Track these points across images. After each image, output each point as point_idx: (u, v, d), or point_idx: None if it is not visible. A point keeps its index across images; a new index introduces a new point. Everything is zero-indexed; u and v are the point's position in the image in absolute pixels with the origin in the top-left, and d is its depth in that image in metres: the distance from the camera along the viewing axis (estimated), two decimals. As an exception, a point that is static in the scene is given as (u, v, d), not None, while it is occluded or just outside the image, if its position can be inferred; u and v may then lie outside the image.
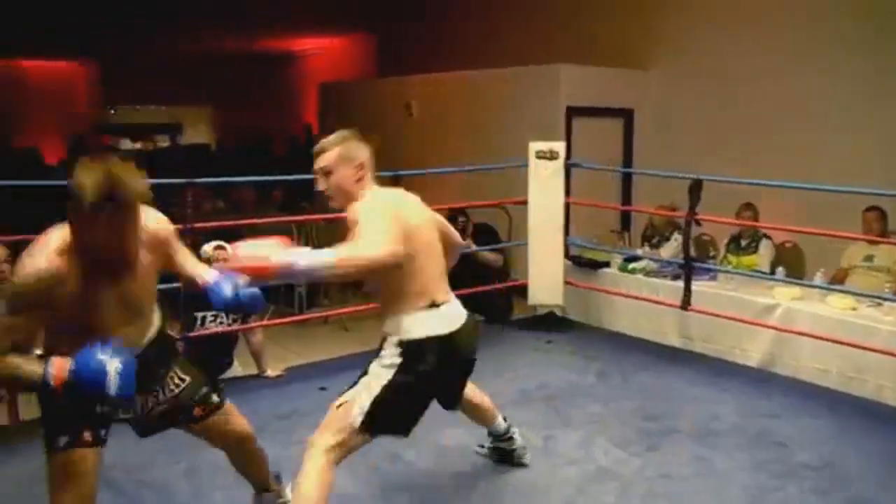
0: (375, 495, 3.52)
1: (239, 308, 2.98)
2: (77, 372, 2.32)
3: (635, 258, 6.41)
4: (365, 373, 3.03)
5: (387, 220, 2.75)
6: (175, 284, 4.60)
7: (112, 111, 18.33)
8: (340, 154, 2.93)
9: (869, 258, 5.92)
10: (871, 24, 7.10)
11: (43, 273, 2.29)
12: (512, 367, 5.21)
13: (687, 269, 5.50)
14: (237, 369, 5.15)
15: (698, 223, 5.54)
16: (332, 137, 3.00)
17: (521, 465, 3.72)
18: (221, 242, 4.87)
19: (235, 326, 4.98)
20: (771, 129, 7.81)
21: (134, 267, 2.45)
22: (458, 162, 7.29)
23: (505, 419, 3.68)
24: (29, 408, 4.74)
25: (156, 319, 2.78)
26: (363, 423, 2.90)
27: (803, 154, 7.36)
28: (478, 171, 6.88)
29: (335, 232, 8.85)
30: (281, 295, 8.29)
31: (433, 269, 2.98)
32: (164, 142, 19.33)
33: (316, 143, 3.01)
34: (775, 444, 4.03)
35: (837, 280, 5.91)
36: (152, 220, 2.57)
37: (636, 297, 6.02)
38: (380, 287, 2.97)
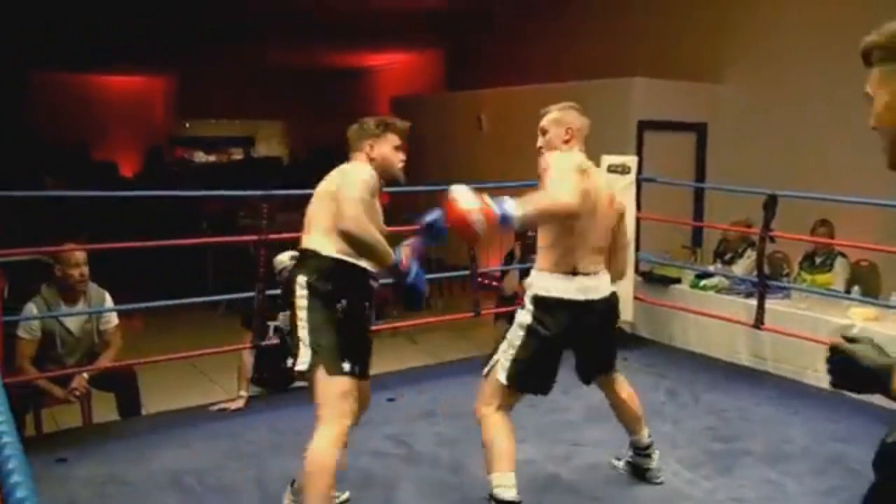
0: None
1: (432, 234, 3.21)
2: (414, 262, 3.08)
3: (707, 274, 6.32)
4: (503, 337, 3.33)
5: (575, 175, 3.12)
6: (250, 293, 4.73)
7: (186, 125, 18.74)
8: (556, 118, 3.44)
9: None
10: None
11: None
12: (581, 384, 5.16)
13: (760, 287, 5.40)
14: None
15: (772, 240, 5.44)
16: (555, 105, 3.51)
17: (654, 483, 3.71)
18: (296, 252, 4.94)
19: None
20: (847, 143, 7.62)
21: None
22: (528, 175, 7.26)
23: (649, 435, 3.73)
24: (100, 410, 4.89)
25: None
26: (507, 382, 3.23)
27: (881, 169, 7.13)
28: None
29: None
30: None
31: (590, 239, 3.27)
32: (237, 154, 19.68)
33: None
34: (848, 469, 3.92)
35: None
36: None
37: (707, 315, 5.92)
38: (539, 237, 3.36)
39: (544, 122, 3.48)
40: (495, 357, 3.30)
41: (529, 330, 3.21)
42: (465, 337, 4.88)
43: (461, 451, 4.02)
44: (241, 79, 17.28)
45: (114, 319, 4.94)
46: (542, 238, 3.32)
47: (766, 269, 5.61)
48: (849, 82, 7.84)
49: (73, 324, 4.79)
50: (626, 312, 6.03)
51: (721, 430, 4.41)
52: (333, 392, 2.96)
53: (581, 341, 3.38)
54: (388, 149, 3.30)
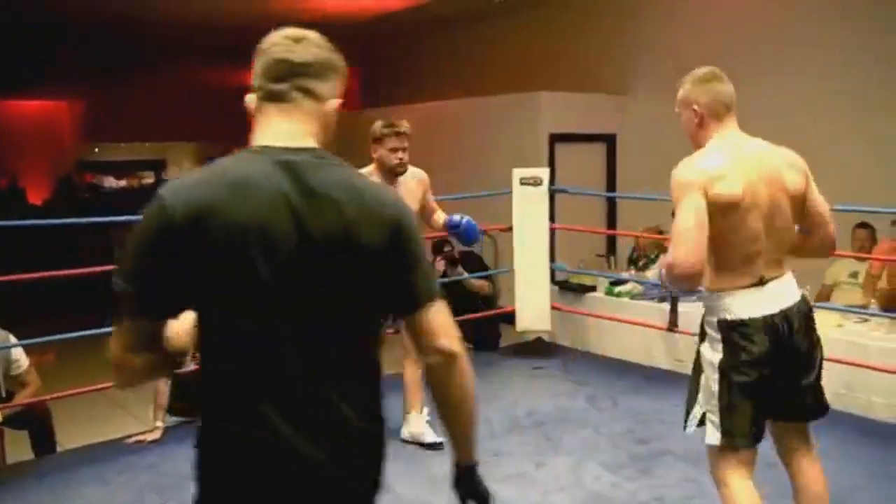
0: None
1: (462, 233, 4.26)
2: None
3: (621, 281, 6.43)
4: (697, 382, 2.77)
5: (693, 204, 2.60)
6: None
7: (96, 149, 18.33)
8: (679, 97, 3.01)
9: (854, 274, 5.95)
10: (869, 36, 7.19)
11: None
12: (501, 394, 5.20)
13: (673, 291, 5.52)
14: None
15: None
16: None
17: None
18: None
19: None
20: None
21: None
22: (442, 190, 7.30)
23: None
24: (14, 449, 4.72)
25: None
26: (724, 443, 2.67)
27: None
28: (462, 199, 6.89)
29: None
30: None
31: (762, 242, 2.63)
32: (148, 178, 19.32)
33: None
34: (767, 464, 3.99)
35: (822, 297, 5.93)
36: None
37: (623, 321, 6.02)
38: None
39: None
40: (700, 410, 2.77)
41: (725, 363, 2.62)
42: (388, 354, 4.87)
43: (387, 474, 3.99)
44: (150, 101, 16.96)
45: (24, 362, 4.73)
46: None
47: (679, 274, 5.73)
48: (751, 89, 8.07)
49: None
50: (544, 322, 6.10)
51: (641, 433, 4.47)
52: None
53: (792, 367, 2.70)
54: (384, 151, 4.17)
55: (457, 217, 4.31)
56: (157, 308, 1.56)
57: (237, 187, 1.52)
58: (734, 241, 2.58)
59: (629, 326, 5.98)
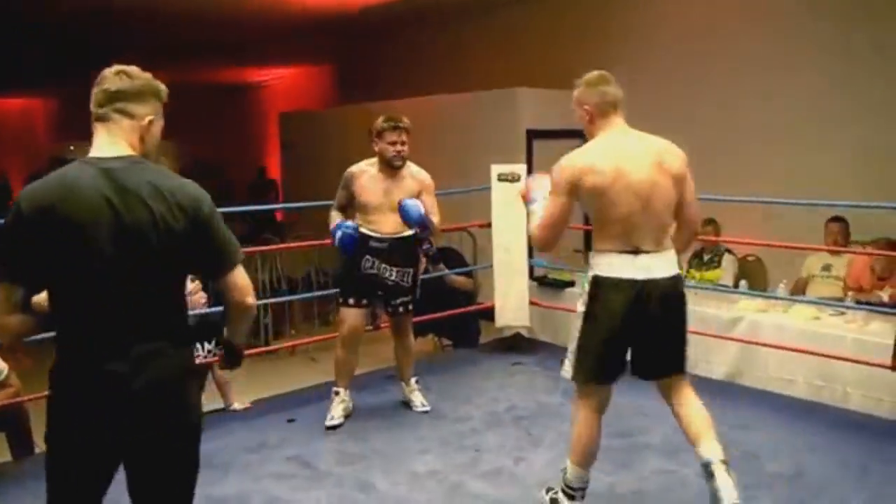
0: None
1: (421, 223, 4.37)
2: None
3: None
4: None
5: (560, 196, 3.17)
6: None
7: (71, 147, 18.16)
8: (574, 97, 3.40)
9: (827, 267, 6.01)
10: (832, 37, 7.23)
11: None
12: (481, 390, 5.20)
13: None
14: (203, 404, 5.07)
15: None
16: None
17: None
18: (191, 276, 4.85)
19: (206, 359, 4.93)
20: (730, 144, 7.90)
21: None
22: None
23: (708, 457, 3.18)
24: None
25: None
26: (574, 375, 3.20)
27: (764, 168, 7.46)
28: (441, 196, 6.88)
29: (297, 260, 8.82)
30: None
31: (634, 220, 3.07)
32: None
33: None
34: (746, 455, 4.04)
35: (798, 290, 5.98)
36: None
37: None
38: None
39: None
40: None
41: (588, 311, 3.15)
42: (365, 352, 4.86)
43: (365, 468, 3.99)
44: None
45: (4, 370, 4.69)
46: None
47: (656, 268, 5.75)
48: (729, 85, 8.16)
49: None
50: (523, 318, 6.10)
51: (619, 427, 4.46)
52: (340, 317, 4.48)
53: (645, 328, 3.14)
54: (383, 144, 4.44)
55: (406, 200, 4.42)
56: (20, 276, 2.13)
57: (70, 189, 2.08)
58: (609, 217, 3.06)
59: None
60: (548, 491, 3.47)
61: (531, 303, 6.14)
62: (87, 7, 9.16)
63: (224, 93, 17.66)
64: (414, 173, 4.58)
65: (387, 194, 4.46)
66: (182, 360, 2.26)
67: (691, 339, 5.30)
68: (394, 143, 4.45)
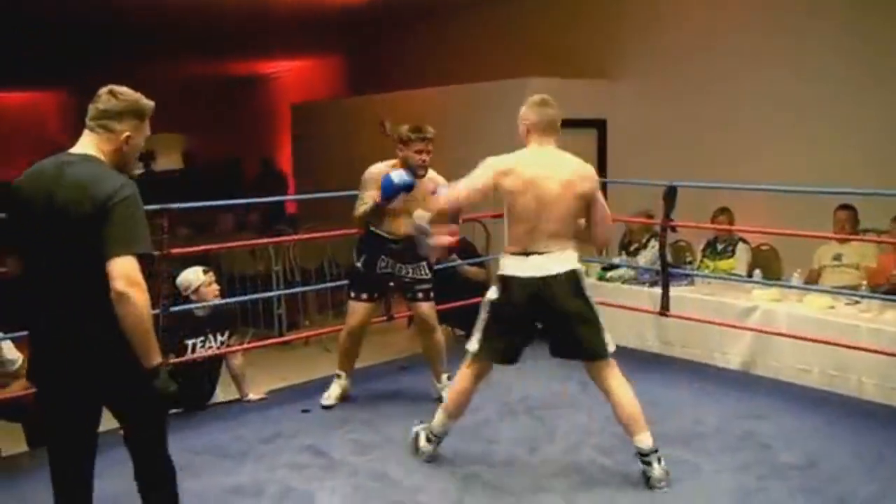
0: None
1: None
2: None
3: (613, 266, 6.43)
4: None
5: (477, 180, 3.70)
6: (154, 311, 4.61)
7: (83, 141, 18.23)
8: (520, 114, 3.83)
9: (838, 257, 5.99)
10: (846, 26, 7.19)
11: None
12: (494, 380, 5.15)
13: (664, 276, 5.52)
14: (218, 395, 5.11)
15: (674, 229, 5.57)
16: None
17: (656, 488, 3.59)
18: (204, 268, 4.89)
19: (220, 350, 4.96)
20: (743, 132, 7.87)
21: None
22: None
23: (650, 444, 3.62)
24: (8, 442, 4.72)
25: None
26: (477, 351, 3.73)
27: (777, 157, 7.43)
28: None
29: (311, 251, 8.83)
30: (260, 318, 8.26)
31: (537, 224, 3.59)
32: (137, 169, 19.21)
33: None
34: (760, 445, 4.05)
35: (811, 281, 5.96)
36: None
37: (615, 305, 6.03)
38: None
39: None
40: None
41: (495, 301, 3.68)
42: (379, 343, 4.88)
43: (380, 458, 4.00)
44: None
45: (18, 361, 4.72)
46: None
47: (670, 258, 5.75)
48: (742, 74, 8.12)
49: None
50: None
51: (635, 417, 4.48)
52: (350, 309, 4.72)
53: (544, 318, 3.70)
54: (410, 152, 4.60)
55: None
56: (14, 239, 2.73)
57: (34, 175, 2.66)
58: (515, 219, 3.63)
59: (621, 311, 5.99)
60: (419, 423, 4.03)
61: (544, 293, 6.13)
62: (98, 3, 9.16)
63: (235, 85, 17.67)
64: (433, 178, 4.66)
65: (405, 199, 4.53)
66: (97, 315, 2.55)
67: (708, 329, 5.32)
68: (420, 153, 4.58)
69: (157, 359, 2.58)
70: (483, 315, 3.71)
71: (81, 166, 2.60)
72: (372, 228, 4.68)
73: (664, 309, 5.50)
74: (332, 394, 4.79)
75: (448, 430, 3.91)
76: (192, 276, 4.81)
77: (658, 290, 5.58)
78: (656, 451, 3.60)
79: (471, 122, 8.95)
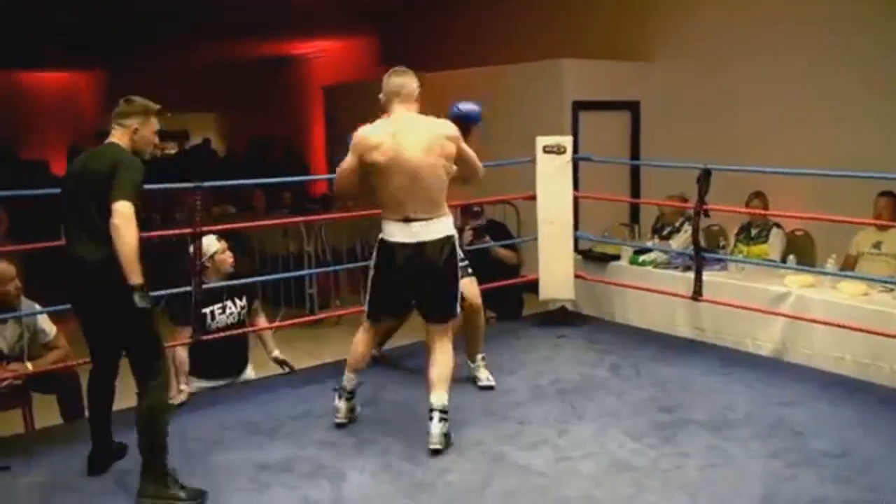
0: (396, 494, 3.51)
1: (463, 117, 4.55)
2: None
3: (645, 250, 6.40)
4: None
5: (349, 157, 4.01)
6: (187, 288, 4.67)
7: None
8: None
9: (877, 244, 5.90)
10: (883, 7, 7.07)
11: None
12: (525, 362, 5.21)
13: (697, 260, 5.48)
14: (250, 373, 5.16)
15: (707, 214, 5.51)
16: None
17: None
18: (218, 236, 4.95)
19: (243, 330, 5.01)
20: (778, 115, 7.78)
21: None
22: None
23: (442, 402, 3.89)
24: (42, 413, 4.79)
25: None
26: (365, 311, 4.18)
27: (813, 141, 7.34)
28: (485, 168, 6.84)
29: (343, 231, 8.86)
30: (292, 297, 8.32)
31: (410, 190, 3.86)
32: (171, 148, 19.35)
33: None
34: (791, 432, 4.02)
35: (847, 267, 5.89)
36: None
37: (647, 290, 6.00)
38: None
39: None
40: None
41: (373, 263, 4.07)
42: (408, 324, 4.89)
43: (410, 439, 4.02)
44: (172, 72, 16.96)
45: (51, 332, 4.80)
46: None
47: (703, 242, 5.70)
48: (778, 56, 8.01)
49: (2, 342, 4.64)
50: (568, 291, 6.08)
51: (664, 401, 4.47)
52: None
53: (417, 279, 3.97)
54: None
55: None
56: None
57: (79, 159, 3.63)
58: (384, 190, 3.90)
59: (653, 295, 5.97)
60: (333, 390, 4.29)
61: (576, 276, 6.12)
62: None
63: (267, 66, 17.72)
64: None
65: None
66: (104, 253, 3.35)
67: (741, 315, 5.26)
68: None
69: (136, 280, 3.29)
70: (369, 277, 4.09)
71: (103, 148, 3.56)
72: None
73: (697, 294, 5.45)
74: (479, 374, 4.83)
75: (356, 383, 4.22)
76: (206, 243, 4.86)
77: (691, 275, 5.54)
78: (444, 412, 3.86)
79: (504, 104, 8.92)
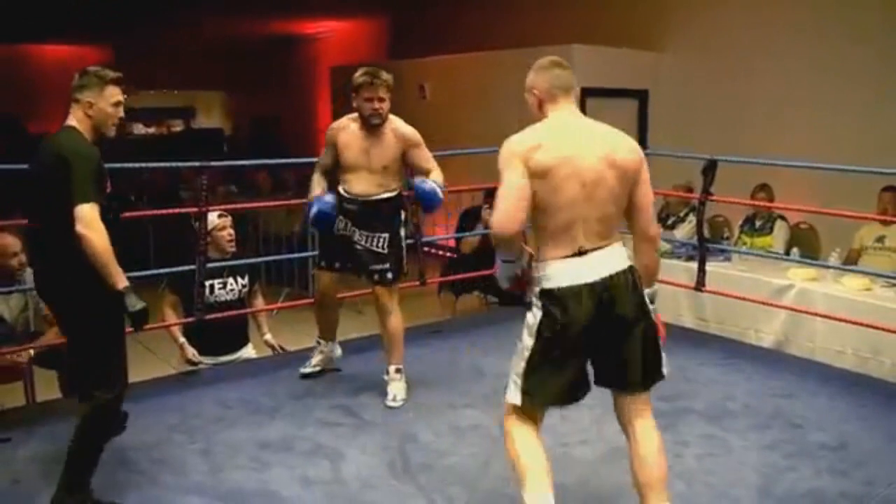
0: (394, 474, 3.53)
1: (428, 199, 4.19)
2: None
3: (649, 239, 6.38)
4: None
5: (514, 174, 2.73)
6: (191, 267, 4.68)
7: (125, 95, 18.32)
8: (526, 83, 3.03)
9: (880, 239, 5.90)
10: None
11: None
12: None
13: (701, 250, 5.48)
14: (251, 351, 5.18)
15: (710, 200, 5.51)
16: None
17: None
18: (220, 213, 4.96)
19: (239, 312, 5.03)
20: (787, 108, 7.76)
21: None
22: (471, 143, 7.27)
23: None
24: (43, 388, 4.81)
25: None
26: (524, 402, 2.76)
27: (820, 134, 7.32)
28: (489, 153, 6.80)
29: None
30: (295, 278, 8.33)
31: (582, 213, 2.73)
32: (177, 126, 19.35)
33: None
34: (790, 424, 4.03)
35: (850, 261, 5.89)
36: None
37: (650, 279, 5.99)
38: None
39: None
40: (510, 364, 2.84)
41: (540, 326, 2.72)
42: (411, 306, 4.90)
43: (410, 420, 4.04)
44: (178, 48, 16.92)
45: None
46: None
47: (707, 233, 5.70)
48: (788, 50, 7.97)
49: (7, 312, 4.67)
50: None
51: (664, 390, 4.41)
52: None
53: (609, 333, 2.77)
54: (360, 100, 4.21)
55: (418, 182, 4.21)
56: None
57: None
58: (553, 206, 2.68)
59: (656, 284, 5.95)
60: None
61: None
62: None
63: (277, 45, 17.67)
64: (397, 129, 4.25)
65: (364, 153, 4.21)
66: (64, 255, 3.05)
67: (743, 306, 5.26)
68: (370, 100, 4.14)
69: (120, 284, 3.01)
70: (526, 350, 2.75)
71: (58, 135, 3.16)
72: (338, 187, 4.35)
73: (700, 284, 5.46)
74: (313, 361, 4.65)
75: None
76: (208, 219, 4.88)
77: (694, 265, 5.55)
78: None
79: (514, 88, 8.88)
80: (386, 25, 14.34)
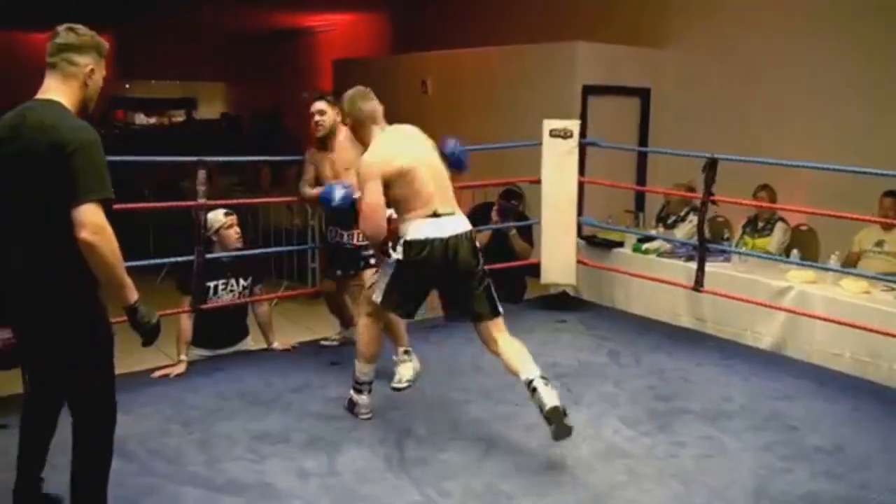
0: (390, 468, 3.53)
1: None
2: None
3: (649, 238, 6.39)
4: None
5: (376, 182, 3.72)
6: (190, 258, 4.68)
7: (127, 85, 18.31)
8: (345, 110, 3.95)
9: (880, 243, 5.89)
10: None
11: None
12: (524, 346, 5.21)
13: (701, 251, 5.48)
14: (250, 343, 5.17)
15: (714, 203, 5.51)
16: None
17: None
18: (227, 210, 4.94)
19: (244, 299, 5.01)
20: (790, 108, 7.76)
21: None
22: (472, 139, 7.27)
23: (527, 377, 3.59)
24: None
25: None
26: (382, 301, 3.80)
27: (822, 135, 7.31)
28: (491, 150, 6.82)
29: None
30: (295, 271, 8.32)
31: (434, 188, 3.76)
32: (178, 116, 19.32)
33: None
34: (786, 426, 4.03)
35: (849, 264, 5.88)
36: None
37: (649, 278, 6.00)
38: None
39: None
40: (378, 275, 3.94)
41: (400, 261, 3.74)
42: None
43: (407, 415, 4.04)
44: (180, 39, 16.90)
45: None
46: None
47: (708, 233, 5.69)
48: (790, 51, 7.96)
49: None
50: (569, 276, 6.09)
51: (661, 390, 4.49)
52: None
53: (449, 276, 3.77)
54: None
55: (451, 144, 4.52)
56: None
57: (3, 124, 2.60)
58: (413, 192, 3.70)
59: (655, 284, 5.96)
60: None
61: (578, 261, 6.12)
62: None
63: (279, 37, 17.65)
64: (349, 140, 4.36)
65: (331, 165, 4.72)
66: (50, 255, 2.57)
67: (742, 307, 5.27)
68: (311, 116, 4.68)
69: (132, 297, 2.64)
70: (389, 272, 3.76)
71: (43, 110, 2.57)
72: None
73: (698, 284, 5.46)
74: (397, 372, 4.40)
75: (372, 376, 4.01)
76: (213, 218, 4.86)
77: (694, 265, 5.54)
78: (544, 378, 3.60)
79: (515, 85, 8.90)
80: (388, 19, 14.32)
